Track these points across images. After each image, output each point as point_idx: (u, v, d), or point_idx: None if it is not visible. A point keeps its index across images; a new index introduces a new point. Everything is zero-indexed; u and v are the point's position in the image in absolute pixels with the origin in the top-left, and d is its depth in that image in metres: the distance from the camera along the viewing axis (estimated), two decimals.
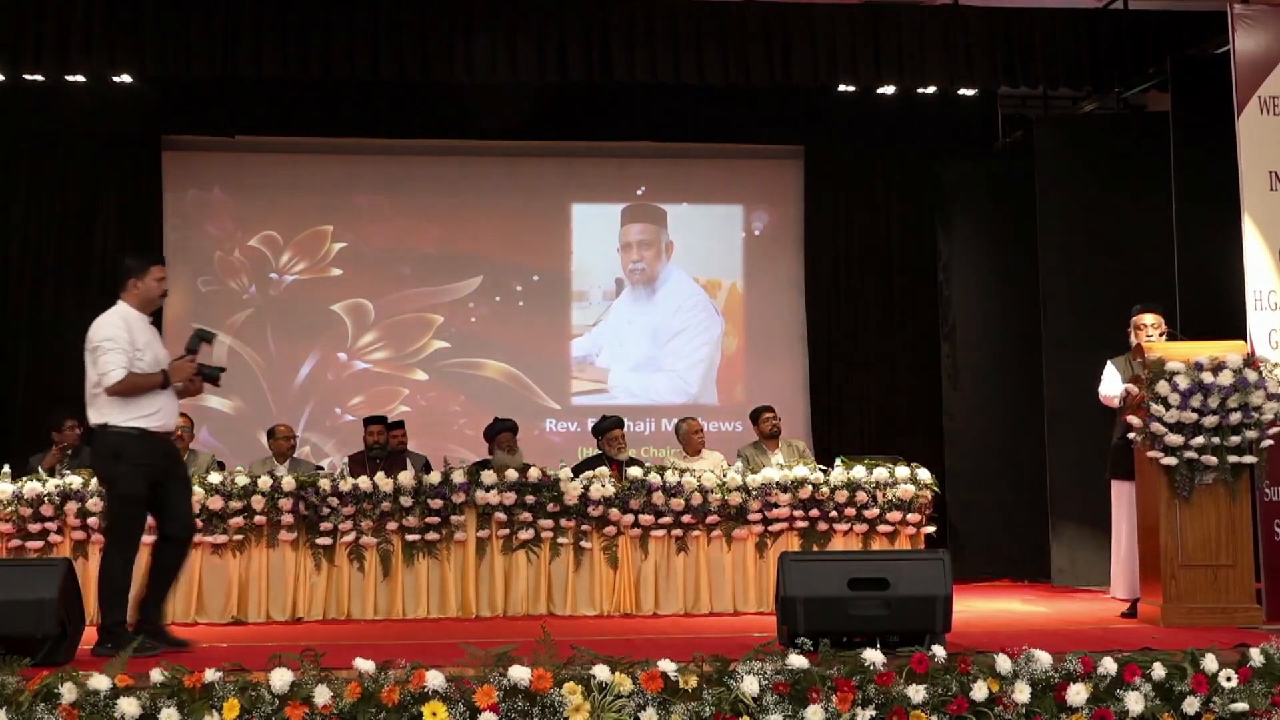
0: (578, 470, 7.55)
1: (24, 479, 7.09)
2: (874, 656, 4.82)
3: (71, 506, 6.93)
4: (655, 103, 9.79)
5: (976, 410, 9.97)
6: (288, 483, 7.03)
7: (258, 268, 10.24)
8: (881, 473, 7.37)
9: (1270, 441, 6.34)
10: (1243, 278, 7.37)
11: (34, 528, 6.92)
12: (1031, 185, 9.37)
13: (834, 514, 7.32)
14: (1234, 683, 4.96)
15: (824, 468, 7.46)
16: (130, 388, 5.47)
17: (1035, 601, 7.99)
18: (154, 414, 5.53)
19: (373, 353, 10.29)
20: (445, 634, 6.17)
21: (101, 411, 5.49)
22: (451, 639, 5.60)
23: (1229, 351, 6.38)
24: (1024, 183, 9.52)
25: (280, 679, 4.56)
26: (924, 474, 7.42)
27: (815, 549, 7.23)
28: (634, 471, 7.33)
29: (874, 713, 4.71)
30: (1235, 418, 6.23)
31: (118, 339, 5.48)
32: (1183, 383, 6.26)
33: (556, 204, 10.47)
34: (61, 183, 9.95)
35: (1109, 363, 6.99)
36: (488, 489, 7.04)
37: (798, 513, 7.30)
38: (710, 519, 7.24)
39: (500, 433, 8.34)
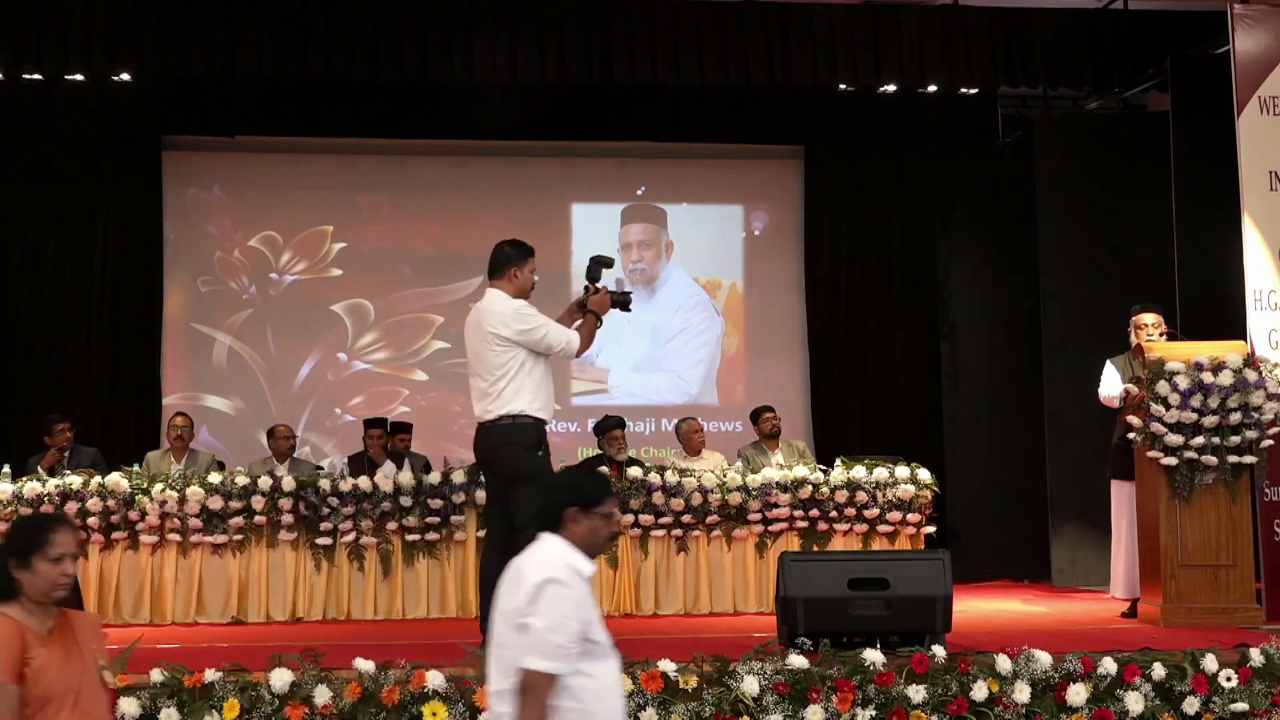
0: None
1: (24, 479, 7.09)
2: (874, 656, 4.83)
3: (71, 506, 6.92)
4: (655, 103, 9.79)
5: (976, 410, 9.96)
6: (288, 483, 7.03)
7: (258, 268, 10.23)
8: (881, 473, 7.36)
9: (1270, 441, 6.35)
10: (1243, 278, 7.37)
11: None
12: (1031, 185, 9.37)
13: (834, 514, 7.31)
14: (1234, 683, 4.97)
15: (824, 468, 7.45)
16: (588, 340, 5.53)
17: (1035, 601, 7.99)
18: (549, 403, 5.51)
19: (373, 353, 10.28)
20: (445, 634, 6.17)
21: (511, 401, 5.37)
22: (451, 639, 5.60)
23: (1229, 351, 6.39)
24: (1024, 183, 9.52)
25: (280, 679, 4.57)
26: (924, 474, 7.42)
27: (815, 549, 7.22)
28: (634, 471, 7.33)
29: (874, 713, 4.72)
30: (1235, 418, 6.24)
31: (538, 314, 5.48)
32: (1183, 383, 6.26)
33: (556, 204, 10.47)
34: (61, 183, 9.94)
35: (1108, 363, 6.99)
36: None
37: (798, 513, 7.30)
38: (710, 519, 7.24)
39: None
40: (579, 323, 5.63)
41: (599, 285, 5.67)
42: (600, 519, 3.23)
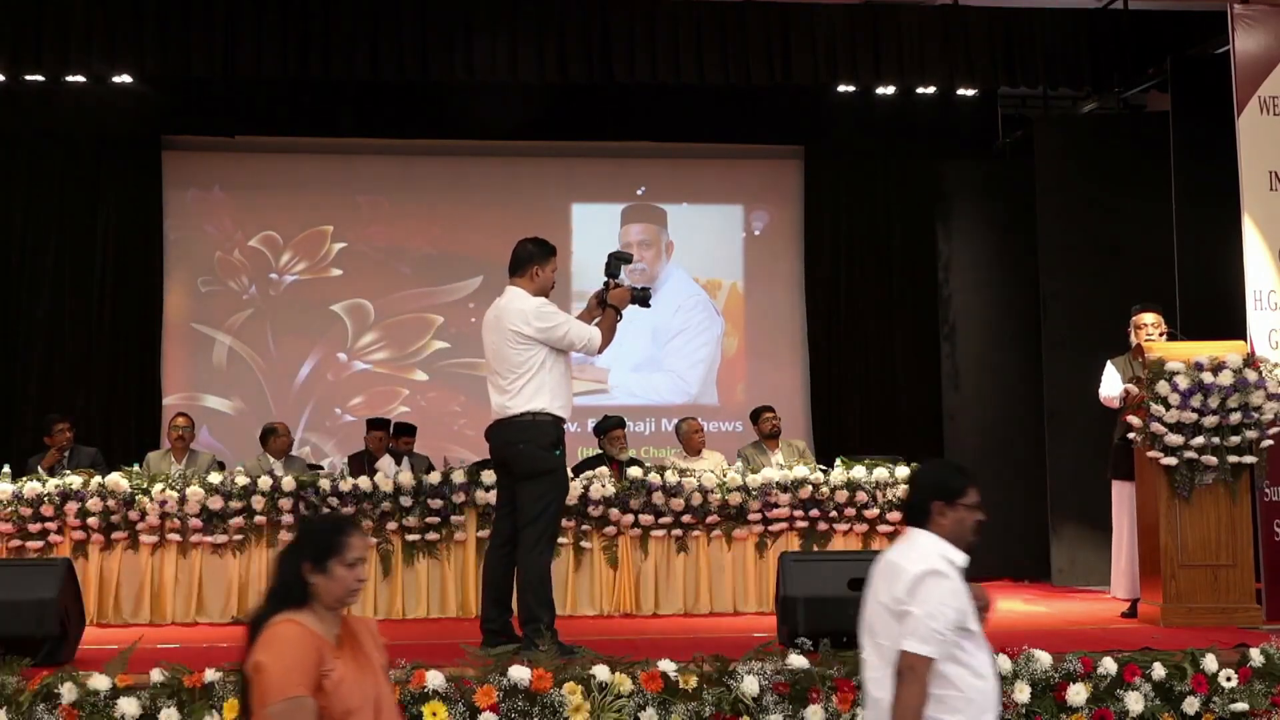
0: (578, 470, 7.54)
1: (24, 479, 7.09)
2: None
3: (71, 506, 6.92)
4: (655, 103, 9.80)
5: (976, 410, 9.95)
6: (288, 483, 7.03)
7: (258, 268, 10.24)
8: (881, 473, 7.36)
9: (1270, 441, 6.35)
10: (1243, 278, 7.37)
11: (34, 528, 6.92)
12: (1031, 185, 9.36)
13: (834, 514, 7.31)
14: (1234, 683, 4.97)
15: (824, 468, 7.45)
16: (609, 336, 5.54)
17: (1035, 601, 7.98)
18: (569, 401, 5.52)
19: (373, 353, 10.28)
20: (445, 634, 6.17)
21: (532, 399, 5.36)
22: (451, 639, 5.60)
23: (1229, 351, 6.39)
24: (1024, 183, 9.51)
25: None
26: None
27: (815, 549, 7.22)
28: (634, 471, 7.33)
29: None
30: (1235, 418, 6.24)
31: (559, 311, 5.50)
32: (1183, 383, 6.26)
33: (556, 204, 10.47)
34: (61, 183, 9.95)
35: (1109, 363, 6.99)
36: (488, 489, 7.03)
37: (798, 513, 7.29)
38: (710, 519, 7.24)
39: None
40: (599, 319, 5.63)
41: (618, 281, 5.66)
42: (965, 510, 3.36)
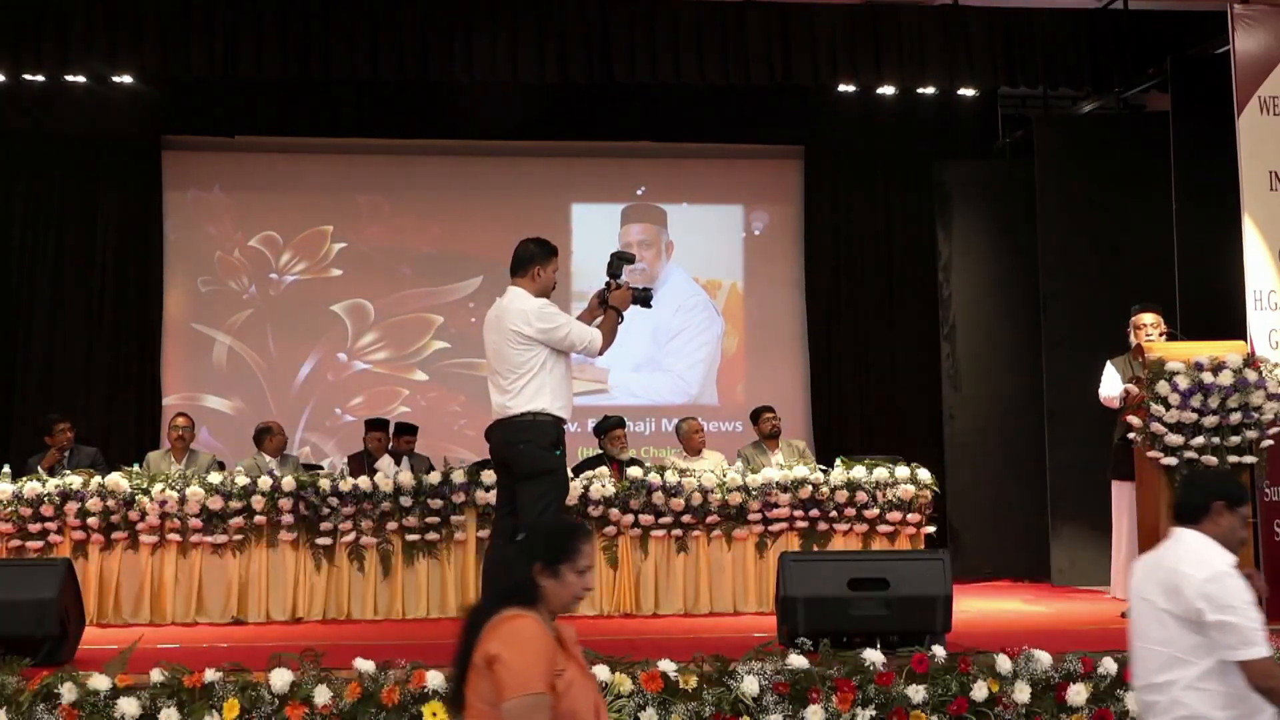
0: (578, 470, 7.54)
1: (24, 479, 7.09)
2: (874, 656, 4.83)
3: (71, 506, 6.92)
4: (655, 103, 9.79)
5: (976, 410, 9.95)
6: (288, 483, 7.03)
7: (258, 268, 10.24)
8: (881, 473, 7.36)
9: (1270, 441, 6.35)
10: (1243, 278, 7.37)
11: (34, 528, 6.92)
12: (1031, 185, 9.36)
13: (834, 514, 7.31)
14: None
15: (824, 468, 7.45)
16: (610, 338, 5.55)
17: (1035, 601, 7.98)
18: (569, 402, 5.53)
19: (373, 353, 10.28)
20: (445, 634, 6.15)
21: (533, 399, 5.38)
22: (451, 639, 5.59)
23: (1229, 351, 6.39)
24: (1024, 183, 9.52)
25: (280, 679, 4.57)
26: (924, 474, 7.41)
27: (815, 549, 7.22)
28: (634, 471, 7.33)
29: (874, 713, 4.72)
30: (1235, 418, 6.24)
31: (560, 312, 5.51)
32: (1183, 383, 6.26)
33: (556, 204, 10.47)
34: (61, 183, 9.95)
35: (1109, 363, 6.99)
36: (488, 489, 7.03)
37: (798, 513, 7.29)
38: (710, 519, 7.24)
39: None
40: (599, 320, 5.63)
41: (620, 281, 5.66)
42: (1239, 519, 3.40)
